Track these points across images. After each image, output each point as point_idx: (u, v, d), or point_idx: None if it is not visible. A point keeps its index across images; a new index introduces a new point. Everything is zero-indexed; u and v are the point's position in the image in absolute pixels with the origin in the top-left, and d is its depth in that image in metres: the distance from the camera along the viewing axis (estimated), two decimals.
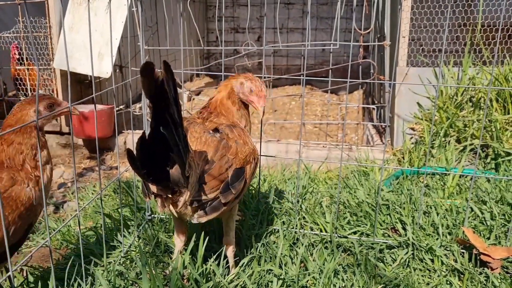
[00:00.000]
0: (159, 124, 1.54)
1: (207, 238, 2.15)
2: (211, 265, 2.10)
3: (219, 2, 6.48)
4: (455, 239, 2.44)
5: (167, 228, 2.63)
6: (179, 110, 1.57)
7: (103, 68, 4.31)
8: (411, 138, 4.10)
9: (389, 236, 2.57)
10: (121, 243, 2.48)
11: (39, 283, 2.04)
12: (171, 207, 1.86)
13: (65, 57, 4.37)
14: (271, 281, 2.13)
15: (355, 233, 2.61)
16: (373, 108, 5.09)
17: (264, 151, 4.20)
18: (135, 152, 1.60)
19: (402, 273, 2.25)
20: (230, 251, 2.18)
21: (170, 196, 1.81)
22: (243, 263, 2.22)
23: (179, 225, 2.18)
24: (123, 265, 2.30)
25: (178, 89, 1.56)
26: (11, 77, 4.92)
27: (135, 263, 2.31)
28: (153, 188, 1.81)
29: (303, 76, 2.57)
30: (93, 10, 4.26)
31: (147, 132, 1.62)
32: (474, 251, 2.30)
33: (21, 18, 4.59)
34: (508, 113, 3.76)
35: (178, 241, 2.20)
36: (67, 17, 4.38)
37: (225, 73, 2.78)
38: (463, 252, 2.35)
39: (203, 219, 1.89)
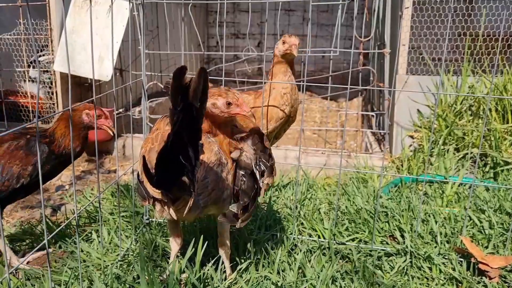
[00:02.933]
0: (178, 140, 1.52)
1: (206, 243, 2.15)
2: (208, 270, 2.10)
3: (220, 8, 6.50)
4: (453, 248, 2.44)
5: (164, 232, 2.62)
6: (199, 123, 1.54)
7: (103, 71, 4.32)
8: (410, 146, 4.11)
9: (387, 243, 2.57)
10: (118, 246, 2.47)
11: (36, 286, 2.03)
12: (171, 211, 1.86)
13: (65, 59, 4.38)
14: None
15: (353, 240, 2.60)
16: (372, 116, 5.10)
17: None
18: (153, 162, 1.60)
19: (400, 281, 2.24)
20: (225, 252, 2.17)
21: (172, 200, 1.81)
22: (241, 268, 2.21)
23: (175, 228, 2.17)
24: (120, 268, 2.29)
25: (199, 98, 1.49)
26: None
27: (133, 267, 2.30)
28: (156, 193, 1.80)
29: (303, 82, 2.57)
30: (94, 13, 4.27)
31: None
32: (472, 260, 2.30)
33: (22, 20, 4.60)
34: (507, 122, 3.78)
35: (174, 244, 2.19)
36: (68, 20, 4.39)
37: (225, 78, 2.78)
38: (461, 261, 2.35)
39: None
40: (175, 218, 1.88)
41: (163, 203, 1.84)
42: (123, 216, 2.83)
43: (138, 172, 1.95)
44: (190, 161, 1.57)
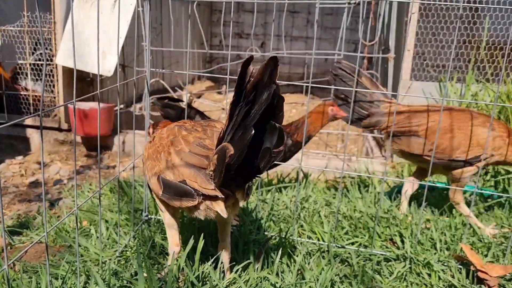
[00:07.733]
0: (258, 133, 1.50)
1: (203, 241, 2.13)
2: (207, 269, 2.08)
3: (225, 7, 6.50)
4: (452, 255, 2.43)
5: (163, 230, 2.61)
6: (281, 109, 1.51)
7: (106, 67, 4.30)
8: None
9: (387, 248, 2.56)
10: (116, 242, 2.46)
11: (33, 279, 2.01)
12: (222, 208, 1.76)
13: (68, 53, 4.37)
14: None
15: (353, 243, 2.59)
16: None
17: None
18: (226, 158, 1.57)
19: (399, 286, 2.23)
20: (226, 256, 2.15)
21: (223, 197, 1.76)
22: (240, 267, 2.20)
23: (174, 226, 2.15)
24: (118, 265, 2.27)
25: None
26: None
27: (130, 263, 2.28)
28: (210, 191, 1.71)
29: (308, 84, 2.56)
30: (99, 8, 4.26)
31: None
32: (472, 268, 2.29)
33: (26, 12, 4.58)
34: None
35: (172, 243, 2.17)
36: (72, 13, 4.38)
37: (229, 77, 2.77)
38: (460, 268, 2.34)
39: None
40: (225, 216, 1.76)
41: (212, 200, 1.75)
42: (122, 212, 2.82)
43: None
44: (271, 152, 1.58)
